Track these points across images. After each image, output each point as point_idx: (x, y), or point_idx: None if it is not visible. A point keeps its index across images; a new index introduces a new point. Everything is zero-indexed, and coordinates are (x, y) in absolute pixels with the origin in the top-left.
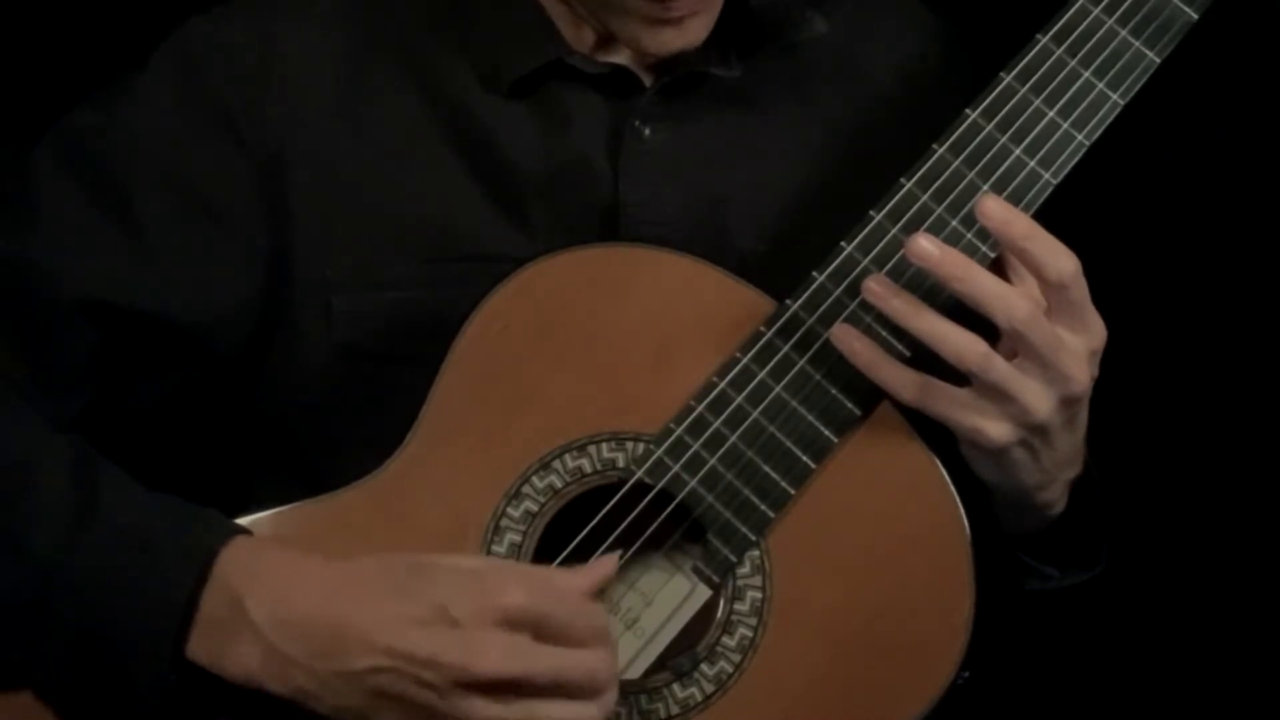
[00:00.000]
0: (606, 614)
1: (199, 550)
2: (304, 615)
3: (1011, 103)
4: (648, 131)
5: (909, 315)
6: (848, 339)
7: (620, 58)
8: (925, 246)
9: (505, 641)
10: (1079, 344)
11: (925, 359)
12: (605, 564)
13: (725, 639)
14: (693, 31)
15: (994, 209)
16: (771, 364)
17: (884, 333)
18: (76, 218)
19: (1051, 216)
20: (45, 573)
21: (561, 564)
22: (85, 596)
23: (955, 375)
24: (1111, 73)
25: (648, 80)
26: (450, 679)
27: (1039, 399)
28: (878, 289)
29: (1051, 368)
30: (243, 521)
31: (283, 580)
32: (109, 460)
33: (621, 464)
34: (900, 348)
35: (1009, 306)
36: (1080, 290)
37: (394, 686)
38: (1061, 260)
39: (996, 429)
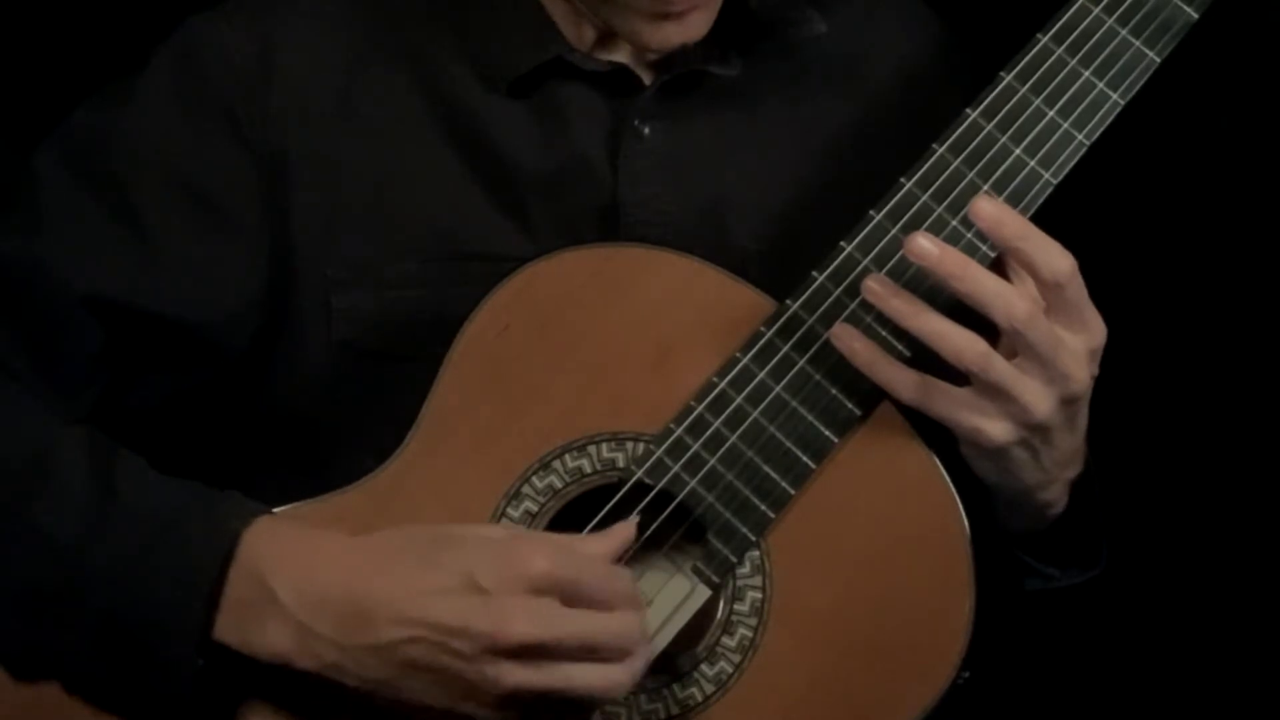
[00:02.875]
0: (633, 578)
1: (222, 532)
2: (330, 591)
3: (1011, 102)
4: (647, 131)
5: (908, 315)
6: (847, 339)
7: (620, 56)
8: (924, 245)
9: (533, 606)
10: (1078, 343)
11: (925, 359)
12: (625, 528)
13: (725, 639)
14: (694, 26)
15: (986, 209)
16: (771, 364)
17: (884, 332)
18: (82, 218)
19: (1051, 216)
20: (69, 561)
21: None
22: (110, 583)
23: (955, 375)
24: (1112, 72)
25: (647, 79)
26: (480, 646)
27: (1039, 398)
28: (877, 288)
29: (1051, 367)
30: None
31: (307, 557)
32: (125, 448)
33: (621, 464)
34: (900, 348)
35: (1008, 305)
36: (1077, 289)
37: (424, 657)
38: (1056, 260)
39: (996, 429)
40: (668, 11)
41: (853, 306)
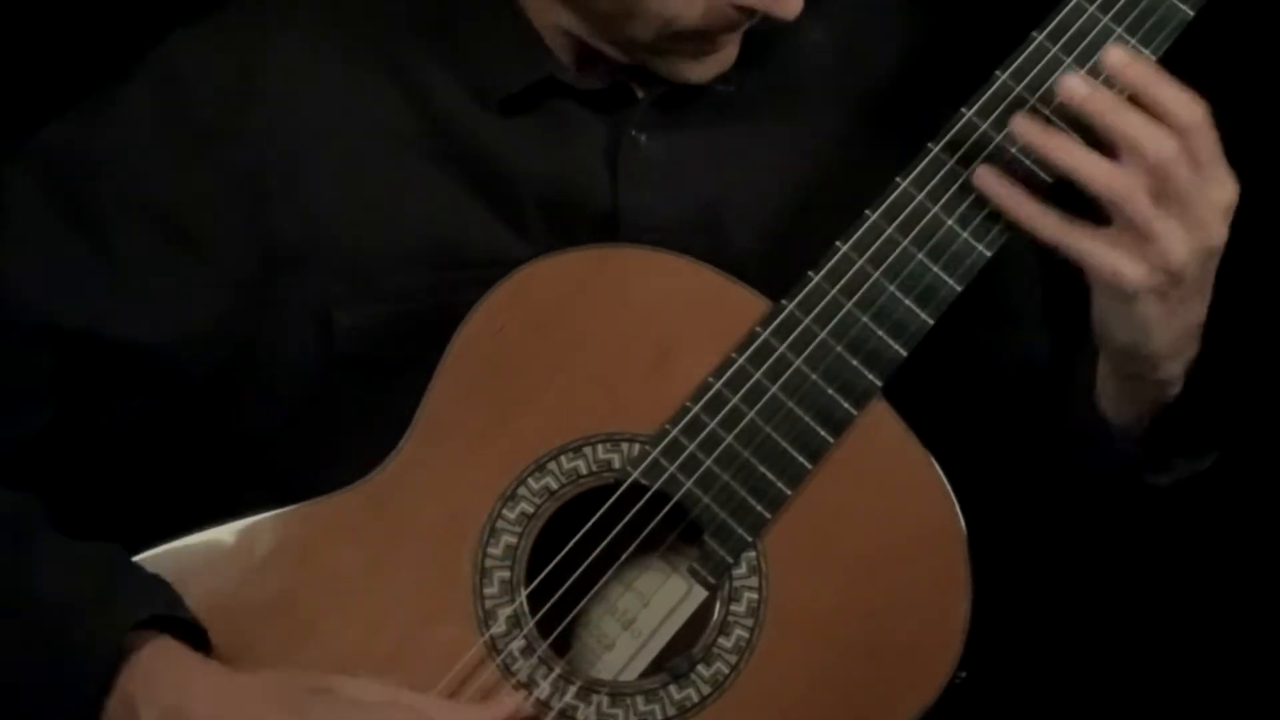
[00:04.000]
0: None
1: (104, 658)
2: None
3: (1007, 101)
4: (644, 139)
5: (1058, 148)
6: (989, 180)
7: (610, 74)
8: (1075, 84)
9: None
10: (1217, 195)
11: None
12: (511, 700)
13: (722, 640)
14: (729, 56)
15: (1118, 55)
16: (767, 364)
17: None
18: (45, 237)
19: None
20: None
21: (557, 566)
22: (3, 667)
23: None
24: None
25: (640, 91)
26: None
27: (1178, 241)
28: (1026, 124)
29: (1192, 212)
30: (241, 525)
31: (179, 689)
32: (47, 523)
33: (617, 465)
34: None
35: (1158, 141)
36: (1212, 138)
37: None
38: (1190, 103)
39: (1134, 270)
40: (711, 50)
41: (849, 306)
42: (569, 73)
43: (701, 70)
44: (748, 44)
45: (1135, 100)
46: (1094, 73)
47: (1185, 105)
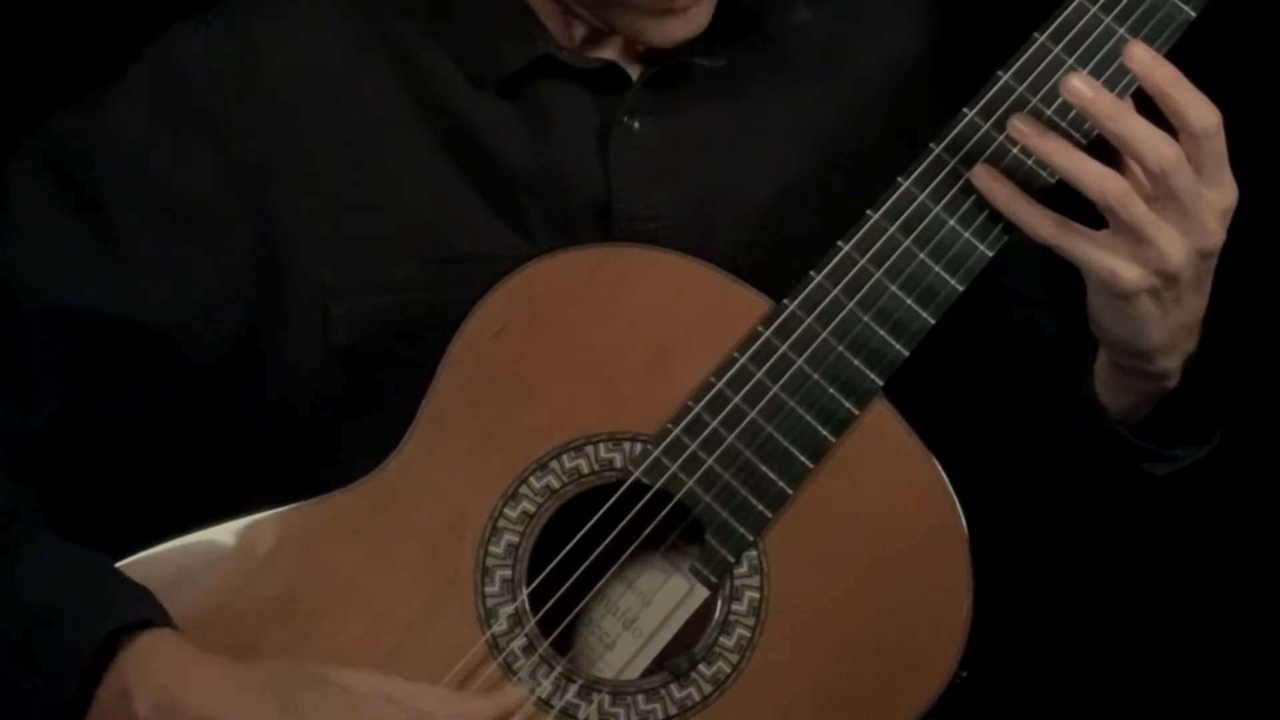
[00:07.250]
0: None
1: (93, 648)
2: (184, 713)
3: (1009, 101)
4: (636, 125)
5: (1055, 151)
6: (987, 179)
7: (606, 52)
8: (1079, 86)
9: None
10: (1215, 199)
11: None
12: (512, 694)
13: (723, 639)
14: (696, 20)
15: (1141, 54)
16: (769, 364)
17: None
18: (50, 225)
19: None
20: None
21: (559, 565)
22: None
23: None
24: (1109, 71)
25: (634, 74)
26: None
27: (1174, 245)
28: (1024, 127)
29: (1190, 216)
30: (242, 524)
31: (171, 676)
32: (41, 518)
33: (619, 464)
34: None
35: (1158, 148)
36: (1220, 144)
37: None
38: (1205, 110)
39: (1129, 271)
40: (670, 7)
41: (851, 306)
42: (566, 51)
43: (664, 31)
44: (737, 21)
45: (1152, 99)
46: (1095, 74)
47: (1201, 110)
